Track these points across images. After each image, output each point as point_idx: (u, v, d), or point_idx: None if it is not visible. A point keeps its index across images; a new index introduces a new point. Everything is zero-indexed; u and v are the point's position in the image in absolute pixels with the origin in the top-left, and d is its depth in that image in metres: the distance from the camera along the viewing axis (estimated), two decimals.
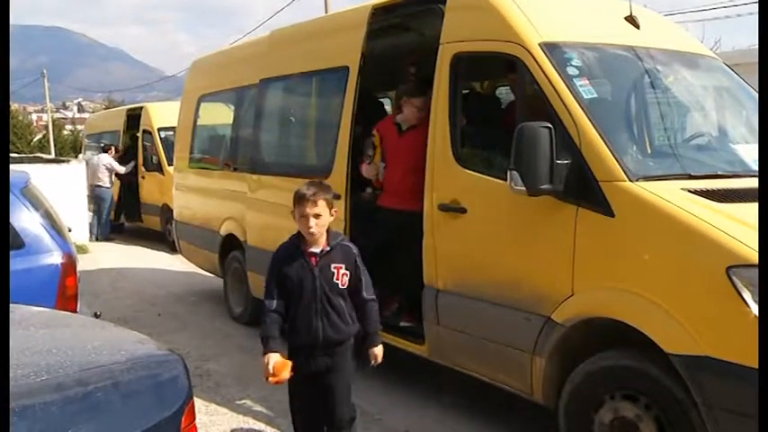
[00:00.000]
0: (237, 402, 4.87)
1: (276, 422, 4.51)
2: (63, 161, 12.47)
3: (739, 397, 2.90)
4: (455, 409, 4.68)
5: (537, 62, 3.77)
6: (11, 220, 4.00)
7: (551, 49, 3.83)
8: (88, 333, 2.43)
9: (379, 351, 3.57)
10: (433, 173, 4.42)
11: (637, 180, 3.38)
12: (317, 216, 3.36)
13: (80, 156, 17.29)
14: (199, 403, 4.75)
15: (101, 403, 1.77)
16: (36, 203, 4.39)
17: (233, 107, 7.03)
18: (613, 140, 3.51)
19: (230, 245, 6.96)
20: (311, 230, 3.36)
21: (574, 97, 3.62)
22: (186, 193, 8.06)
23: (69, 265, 4.30)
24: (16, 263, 3.75)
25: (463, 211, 4.18)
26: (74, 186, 11.86)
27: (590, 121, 3.54)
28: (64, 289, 4.21)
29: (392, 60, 5.53)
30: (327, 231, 3.45)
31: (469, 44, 4.29)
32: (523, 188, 3.52)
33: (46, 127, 50.07)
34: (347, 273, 3.45)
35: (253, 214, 6.34)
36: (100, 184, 13.53)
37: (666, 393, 3.16)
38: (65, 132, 52.41)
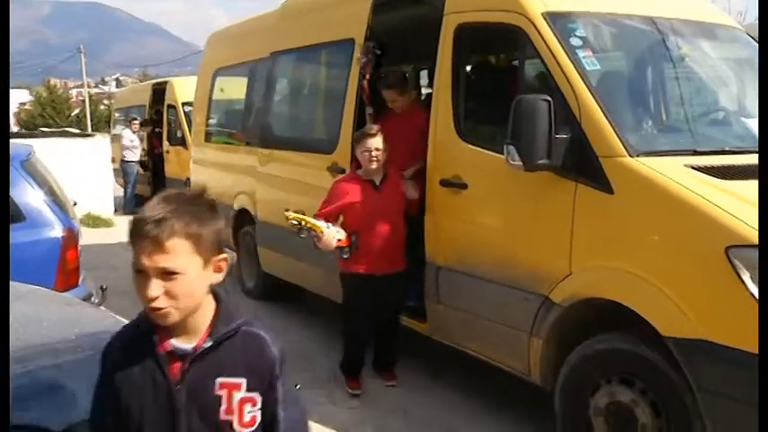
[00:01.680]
0: None
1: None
2: (89, 135, 12.57)
3: (736, 382, 2.78)
4: (456, 392, 4.63)
5: (539, 32, 3.62)
6: (11, 194, 4.01)
7: (555, 18, 3.67)
8: (48, 309, 2.40)
9: None
10: (435, 147, 4.32)
11: (638, 155, 3.23)
12: None
13: (111, 130, 17.48)
14: None
15: (41, 383, 1.72)
16: (37, 177, 4.40)
17: (246, 81, 6.97)
18: (615, 114, 3.36)
19: (243, 219, 6.94)
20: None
21: (575, 69, 3.47)
22: (202, 167, 8.05)
23: (70, 238, 4.32)
24: (16, 236, 3.76)
25: (464, 186, 4.08)
26: (97, 160, 11.98)
27: (591, 93, 3.39)
28: (64, 263, 4.23)
29: (402, 34, 5.39)
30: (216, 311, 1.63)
31: (473, 14, 4.15)
32: (520, 163, 3.40)
33: (83, 102, 50.78)
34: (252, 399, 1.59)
35: (263, 188, 6.31)
36: (124, 158, 13.69)
37: (662, 378, 3.04)
38: (101, 107, 53.11)
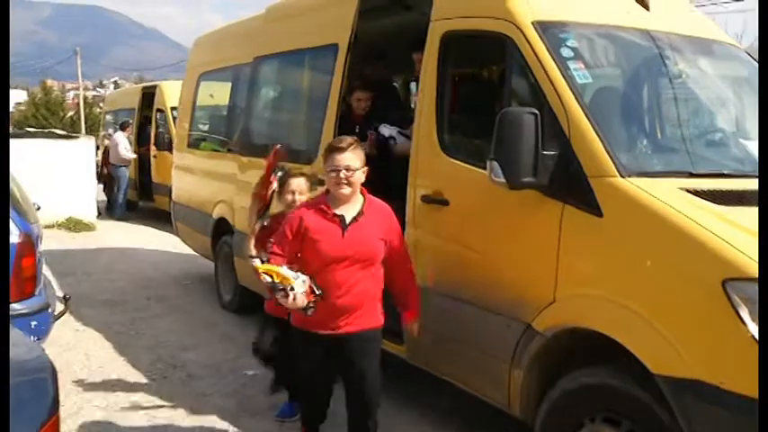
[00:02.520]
0: (205, 397, 4.60)
1: (242, 422, 4.23)
2: (73, 137, 12.30)
3: (732, 429, 2.54)
4: (431, 414, 4.37)
5: (528, 41, 3.39)
6: None
7: (545, 28, 3.45)
8: None
9: None
10: (417, 161, 4.09)
11: (629, 176, 3.00)
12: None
13: (100, 133, 17.22)
14: (164, 399, 4.51)
15: None
16: None
17: (230, 86, 6.74)
18: (607, 131, 3.13)
19: (222, 229, 6.70)
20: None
21: (565, 81, 3.24)
22: (184, 173, 7.82)
23: (26, 244, 4.06)
24: None
25: (445, 203, 3.84)
26: (81, 162, 11.71)
27: (581, 108, 3.16)
28: (19, 270, 3.97)
29: (390, 42, 5.18)
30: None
31: (461, 21, 3.92)
32: (503, 180, 3.17)
33: (79, 104, 50.53)
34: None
35: (241, 198, 6.05)
36: (115, 162, 13.43)
37: (652, 419, 2.79)
38: (97, 110, 52.80)
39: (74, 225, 11.36)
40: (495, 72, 4.42)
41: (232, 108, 6.59)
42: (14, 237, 4.00)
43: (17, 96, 73.43)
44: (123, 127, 13.81)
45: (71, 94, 74.37)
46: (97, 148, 14.27)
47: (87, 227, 11.56)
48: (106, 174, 14.06)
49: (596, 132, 3.10)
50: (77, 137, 12.26)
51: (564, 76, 3.25)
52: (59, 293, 5.05)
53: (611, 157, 3.04)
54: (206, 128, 7.45)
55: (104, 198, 14.34)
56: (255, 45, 6.04)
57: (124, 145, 13.42)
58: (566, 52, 3.38)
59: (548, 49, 3.34)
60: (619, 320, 2.92)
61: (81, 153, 11.85)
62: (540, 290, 3.27)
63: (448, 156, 3.87)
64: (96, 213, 12.28)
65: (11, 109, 58.30)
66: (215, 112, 7.25)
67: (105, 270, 8.55)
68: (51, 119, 48.61)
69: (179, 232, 8.14)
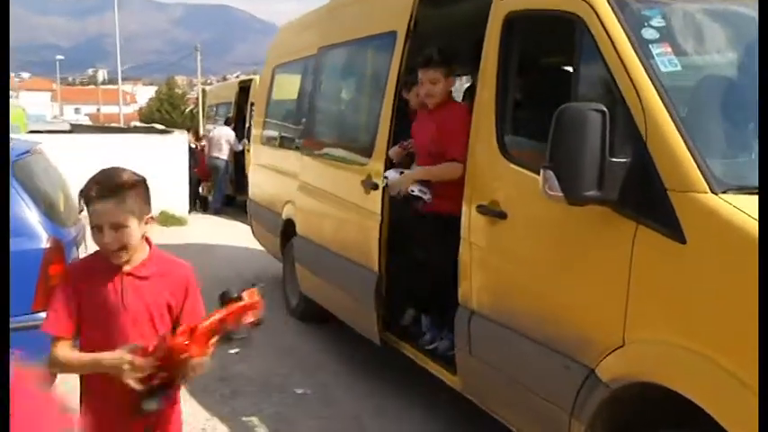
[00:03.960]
0: (245, 418, 4.24)
1: None
2: (167, 132, 12.46)
3: None
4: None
5: (600, 20, 2.74)
6: None
7: (623, 4, 2.78)
8: None
9: None
10: (473, 165, 3.52)
11: (724, 192, 2.31)
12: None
13: (201, 127, 17.56)
14: (196, 417, 4.19)
15: None
16: (24, 180, 3.94)
17: (299, 78, 6.38)
18: (696, 133, 2.45)
19: (290, 230, 6.35)
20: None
21: (644, 69, 2.57)
22: (258, 170, 7.56)
23: (56, 251, 3.82)
24: None
25: (503, 216, 3.25)
26: (174, 157, 11.81)
27: (664, 104, 2.49)
28: (46, 279, 3.73)
29: (451, 32, 4.60)
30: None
31: (526, 0, 3.31)
32: (560, 193, 2.55)
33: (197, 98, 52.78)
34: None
35: (302, 199, 5.69)
36: (215, 155, 13.53)
37: None
38: None
39: (165, 219, 11.48)
40: (565, 61, 3.74)
41: (299, 102, 6.23)
42: (41, 242, 3.78)
43: (149, 92, 77.79)
44: (228, 122, 13.93)
45: (198, 88, 78.17)
46: (198, 141, 14.45)
47: (179, 221, 11.65)
48: (204, 168, 14.21)
49: (681, 134, 2.42)
50: (172, 132, 12.39)
51: (643, 63, 2.59)
52: None
53: (699, 167, 2.36)
54: (277, 123, 7.14)
55: (201, 192, 14.50)
56: (320, 35, 5.63)
57: (227, 138, 13.45)
58: (648, 33, 2.70)
59: (624, 29, 2.68)
60: (703, 378, 2.25)
61: (175, 148, 11.97)
62: (606, 329, 2.64)
63: (507, 160, 3.28)
64: (189, 208, 12.37)
65: (143, 104, 61.83)
66: (286, 106, 6.92)
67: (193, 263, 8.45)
68: (173, 113, 51.21)
69: (254, 231, 7.90)
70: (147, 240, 2.25)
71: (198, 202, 13.59)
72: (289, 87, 6.70)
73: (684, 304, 2.35)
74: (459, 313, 3.60)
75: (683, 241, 2.34)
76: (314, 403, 4.48)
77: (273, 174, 6.87)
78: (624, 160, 2.51)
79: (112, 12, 44.83)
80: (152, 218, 2.24)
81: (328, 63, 5.52)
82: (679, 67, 2.64)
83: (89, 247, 4.97)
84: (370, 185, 4.36)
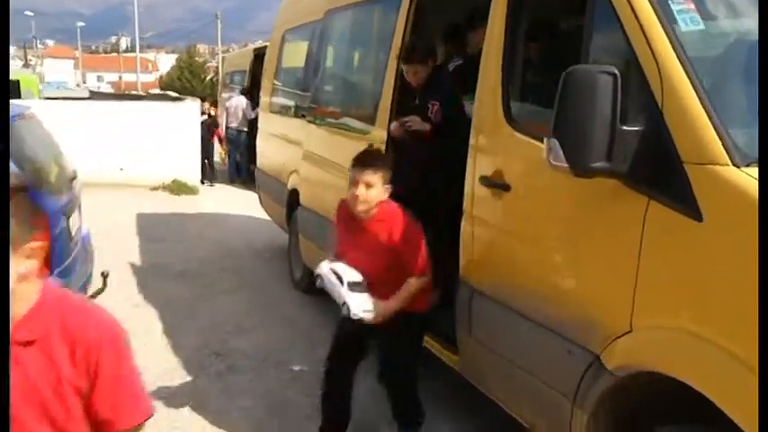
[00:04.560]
0: (233, 397, 4.09)
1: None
2: (179, 99, 12.30)
3: None
4: None
5: None
6: None
7: None
8: None
9: None
10: (477, 133, 3.29)
11: (747, 165, 2.07)
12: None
13: (220, 94, 17.32)
14: (186, 395, 4.06)
15: None
16: (14, 148, 3.75)
17: (306, 44, 6.14)
18: (718, 100, 2.20)
19: (295, 201, 6.18)
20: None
21: (663, 27, 2.32)
22: (266, 139, 7.38)
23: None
24: None
25: (506, 188, 3.03)
26: (186, 125, 11.65)
27: (683, 66, 2.24)
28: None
29: None
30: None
31: None
32: (565, 164, 2.33)
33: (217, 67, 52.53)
34: None
35: (306, 168, 5.50)
36: (231, 125, 13.34)
37: None
38: None
39: (177, 188, 11.37)
40: (576, 21, 3.48)
41: (306, 68, 6.00)
42: None
43: (171, 60, 77.71)
44: (243, 92, 13.71)
45: (219, 57, 77.82)
46: (214, 109, 14.23)
47: (191, 190, 11.54)
48: (224, 136, 13.99)
49: (702, 101, 2.18)
50: (184, 99, 12.21)
51: (660, 20, 2.33)
52: (98, 270, 4.70)
53: (720, 137, 2.12)
54: (285, 90, 6.93)
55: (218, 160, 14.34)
56: None
57: (243, 107, 13.24)
58: None
59: None
60: (717, 372, 2.04)
61: (187, 116, 11.81)
62: (613, 313, 2.43)
63: (513, 128, 3.05)
64: (201, 177, 12.23)
65: (164, 72, 61.79)
66: (294, 72, 6.70)
67: (193, 237, 8.34)
68: (194, 81, 50.99)
69: (261, 201, 7.74)
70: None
71: (209, 173, 13.26)
72: (297, 53, 6.47)
73: (699, 289, 2.13)
74: (461, 291, 3.41)
75: (699, 219, 2.11)
76: (310, 381, 4.32)
77: (280, 142, 6.68)
78: (637, 129, 2.28)
79: None
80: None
81: (334, 27, 5.29)
82: (702, 26, 2.38)
83: (82, 217, 4.86)
84: None
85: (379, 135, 4.13)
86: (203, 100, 15.00)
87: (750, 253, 1.97)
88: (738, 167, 2.07)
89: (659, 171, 2.24)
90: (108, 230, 8.36)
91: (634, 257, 2.33)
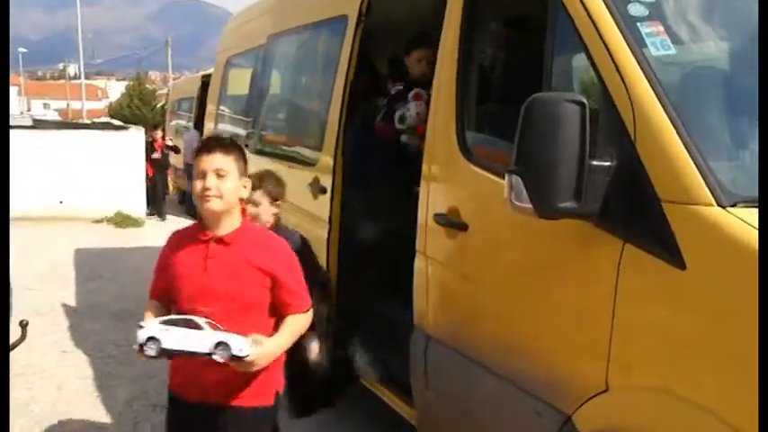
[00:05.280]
0: None
1: None
2: (123, 128, 11.84)
3: None
4: None
5: None
6: None
7: None
8: None
9: None
10: (430, 166, 3.02)
11: (733, 205, 1.83)
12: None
13: (166, 123, 16.82)
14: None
15: None
16: None
17: (250, 70, 5.84)
18: (697, 131, 1.97)
19: None
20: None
21: (633, 53, 2.09)
22: None
23: None
24: None
25: (463, 227, 2.76)
26: (131, 154, 11.18)
27: (656, 94, 2.00)
28: None
29: (412, 18, 4.09)
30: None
31: None
32: (529, 205, 2.06)
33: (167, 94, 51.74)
34: None
35: None
36: (192, 161, 12.81)
37: None
38: None
39: (122, 220, 10.86)
40: (538, 43, 3.26)
41: (249, 96, 5.69)
42: None
43: (122, 88, 76.52)
44: (196, 126, 13.29)
45: (171, 84, 76.80)
46: (157, 139, 13.74)
47: (136, 222, 11.03)
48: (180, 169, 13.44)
49: (679, 132, 1.94)
50: (128, 128, 11.76)
51: (630, 45, 2.10)
52: (17, 318, 4.26)
53: (702, 173, 1.88)
54: (229, 118, 6.60)
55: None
56: (270, 21, 5.11)
57: (195, 141, 12.81)
58: (636, 9, 2.22)
59: (606, 4, 2.20)
60: None
61: (132, 144, 11.34)
62: (585, 369, 2.16)
63: (468, 161, 2.78)
64: (146, 209, 11.72)
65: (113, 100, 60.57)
66: (237, 101, 6.38)
67: (133, 273, 7.87)
68: (144, 108, 49.96)
69: None
70: None
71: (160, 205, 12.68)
72: (240, 81, 6.16)
73: (683, 345, 1.87)
74: (415, 337, 3.11)
75: (681, 266, 1.86)
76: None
77: None
78: (608, 164, 2.03)
79: (83, 6, 43.78)
80: None
81: (277, 53, 5.00)
82: (673, 51, 2.16)
83: None
84: (318, 189, 3.86)
85: (326, 162, 3.83)
86: (155, 128, 14.38)
87: (740, 305, 1.73)
88: (724, 208, 1.83)
89: (635, 212, 1.99)
90: (43, 269, 7.87)
91: (608, 307, 2.07)
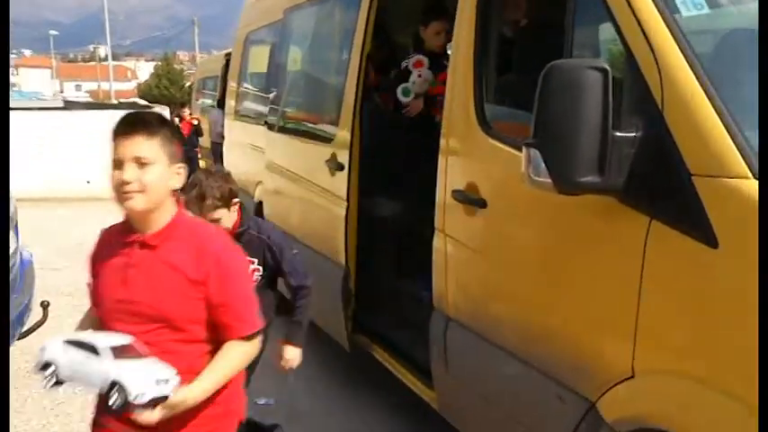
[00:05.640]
0: None
1: None
2: (149, 108, 11.82)
3: None
4: None
5: None
6: None
7: None
8: None
9: None
10: (447, 141, 2.89)
11: None
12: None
13: (193, 102, 16.81)
14: None
15: None
16: None
17: (268, 46, 5.73)
18: (731, 98, 1.81)
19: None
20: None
21: (660, 12, 1.93)
22: (231, 147, 6.96)
23: None
24: None
25: (482, 204, 2.63)
26: None
27: (686, 58, 1.85)
28: None
29: None
30: None
31: None
32: (548, 179, 1.93)
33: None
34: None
35: (269, 180, 5.08)
36: (218, 140, 12.74)
37: None
38: None
39: None
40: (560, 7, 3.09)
41: (267, 72, 5.60)
42: None
43: (150, 68, 77.24)
44: (219, 104, 13.19)
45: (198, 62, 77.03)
46: (184, 118, 13.68)
47: None
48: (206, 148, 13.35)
49: (711, 99, 1.79)
50: (152, 107, 11.74)
51: (657, 5, 1.94)
52: (38, 299, 4.26)
53: (736, 143, 1.73)
54: (249, 95, 6.51)
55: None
56: None
57: (219, 120, 12.71)
58: None
59: None
60: (739, 427, 1.65)
61: None
62: (610, 354, 2.04)
63: (487, 135, 2.65)
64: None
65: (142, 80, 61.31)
66: (256, 77, 6.29)
67: None
68: (172, 88, 50.29)
69: None
70: None
71: None
72: (259, 56, 6.07)
73: (715, 327, 1.74)
74: (434, 319, 3.01)
75: (713, 244, 1.72)
76: (276, 416, 3.90)
77: (246, 150, 6.26)
78: (633, 135, 1.89)
79: None
80: None
81: (292, 27, 4.88)
82: (706, 10, 1.99)
83: (19, 239, 4.40)
84: (335, 166, 3.75)
85: (342, 137, 3.72)
86: (183, 106, 14.33)
87: None
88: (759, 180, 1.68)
89: (662, 186, 1.85)
90: (68, 249, 7.90)
91: (634, 288, 1.94)
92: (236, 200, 2.79)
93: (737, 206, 1.68)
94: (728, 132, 1.74)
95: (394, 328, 3.71)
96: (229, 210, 2.76)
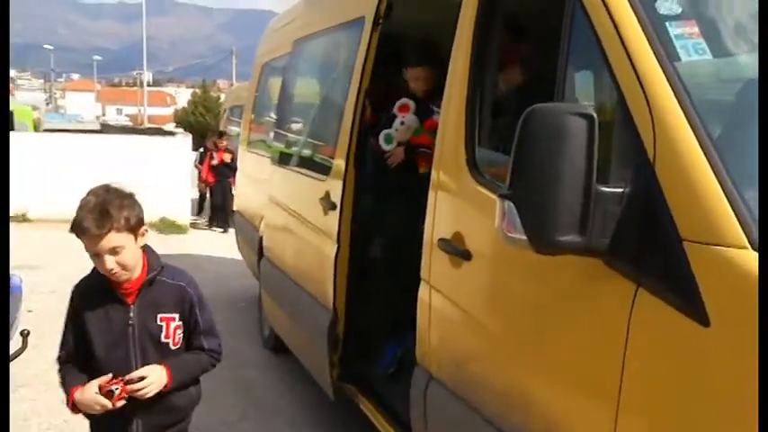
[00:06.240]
0: None
1: None
2: (170, 134, 11.88)
3: None
4: None
5: None
6: None
7: None
8: None
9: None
10: (437, 185, 2.70)
11: None
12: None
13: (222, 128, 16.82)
14: None
15: None
16: None
17: (279, 78, 5.63)
18: (729, 155, 1.60)
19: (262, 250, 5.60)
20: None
21: (657, 57, 1.73)
22: (242, 178, 6.85)
23: None
24: None
25: (466, 256, 2.42)
26: (175, 161, 11.17)
27: (683, 108, 1.65)
28: None
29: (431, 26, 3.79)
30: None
31: None
32: (523, 236, 1.72)
33: None
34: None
35: (269, 215, 4.93)
36: None
37: None
38: None
39: (165, 227, 10.83)
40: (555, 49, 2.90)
41: (277, 103, 5.48)
42: None
43: (189, 95, 78.93)
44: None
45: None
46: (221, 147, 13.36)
47: (180, 229, 10.98)
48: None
49: (707, 155, 1.58)
50: (175, 134, 11.80)
51: (654, 47, 1.75)
52: (20, 327, 4.12)
53: (734, 207, 1.51)
54: (259, 126, 6.42)
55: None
56: (297, 27, 4.88)
57: None
58: (665, 6, 1.86)
59: (630, 1, 1.84)
60: None
61: (177, 151, 11.34)
62: (591, 429, 1.80)
63: (475, 180, 2.45)
64: (191, 215, 11.68)
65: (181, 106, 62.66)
66: (267, 108, 6.19)
67: None
68: (207, 116, 51.02)
69: (239, 246, 7.16)
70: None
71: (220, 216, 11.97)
72: (272, 87, 5.97)
73: (705, 413, 1.50)
74: (416, 375, 2.79)
75: (704, 323, 1.49)
76: None
77: (254, 183, 6.14)
78: (620, 190, 1.68)
79: (158, 17, 45.34)
80: None
81: (299, 59, 4.78)
82: (708, 56, 1.79)
83: None
84: (328, 205, 3.58)
85: (337, 175, 3.54)
86: (221, 135, 13.42)
87: None
88: (756, 250, 1.45)
89: (650, 251, 1.63)
90: (75, 276, 7.83)
91: (617, 361, 1.71)
92: (143, 229, 2.19)
93: (733, 280, 1.46)
94: (725, 194, 1.52)
95: (380, 379, 3.49)
96: (136, 240, 2.15)
